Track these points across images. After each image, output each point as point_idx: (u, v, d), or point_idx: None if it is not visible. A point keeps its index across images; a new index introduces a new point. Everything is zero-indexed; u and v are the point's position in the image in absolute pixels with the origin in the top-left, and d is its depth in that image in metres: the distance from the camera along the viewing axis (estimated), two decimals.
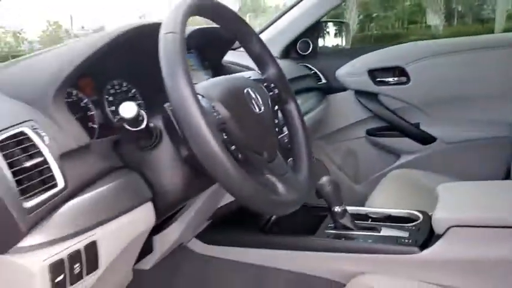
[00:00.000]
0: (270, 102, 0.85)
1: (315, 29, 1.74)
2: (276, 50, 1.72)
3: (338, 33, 1.86)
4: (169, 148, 0.73)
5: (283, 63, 1.66)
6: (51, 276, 0.57)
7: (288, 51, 1.75)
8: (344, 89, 1.76)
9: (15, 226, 0.54)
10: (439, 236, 0.93)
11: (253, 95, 0.78)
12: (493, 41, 1.68)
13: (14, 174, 0.56)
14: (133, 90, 0.87)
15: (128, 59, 0.82)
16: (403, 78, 1.67)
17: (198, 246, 1.13)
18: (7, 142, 0.58)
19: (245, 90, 0.78)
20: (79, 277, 0.61)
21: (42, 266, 0.56)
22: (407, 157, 1.71)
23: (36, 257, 0.56)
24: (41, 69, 0.71)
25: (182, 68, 0.62)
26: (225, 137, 0.69)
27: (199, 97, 0.66)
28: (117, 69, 0.83)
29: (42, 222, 0.57)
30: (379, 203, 1.30)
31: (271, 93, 0.87)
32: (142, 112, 0.67)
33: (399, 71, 1.67)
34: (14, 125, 0.60)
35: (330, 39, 1.86)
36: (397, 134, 1.71)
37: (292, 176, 0.81)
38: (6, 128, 0.59)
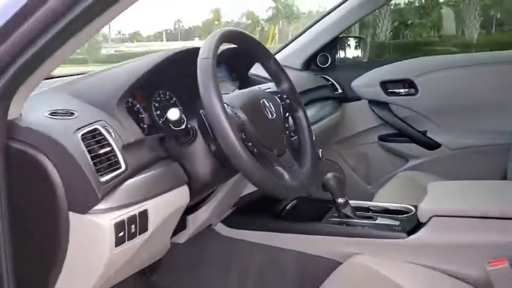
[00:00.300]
0: (282, 110, 1.05)
1: (333, 44, 1.92)
2: (297, 63, 1.91)
3: (355, 48, 2.05)
4: (202, 144, 0.94)
5: (304, 75, 1.88)
6: (115, 231, 0.78)
7: (309, 64, 1.94)
8: (358, 99, 1.93)
9: (94, 194, 0.76)
10: (424, 224, 1.11)
11: (268, 104, 0.99)
12: (493, 57, 1.82)
13: (92, 158, 0.79)
14: (174, 99, 1.10)
15: (171, 75, 1.03)
16: (412, 90, 1.83)
17: (224, 230, 1.34)
18: (86, 136, 0.80)
19: (261, 101, 0.99)
20: (134, 235, 0.82)
21: (110, 223, 0.78)
22: (414, 161, 1.86)
23: (106, 217, 0.78)
24: (109, 82, 0.94)
25: (213, 85, 0.83)
26: (244, 136, 0.90)
27: (225, 105, 0.88)
28: (162, 82, 1.05)
29: (110, 193, 0.79)
30: (383, 199, 1.47)
31: (283, 103, 1.07)
32: (183, 116, 0.89)
33: (408, 83, 1.83)
34: (90, 123, 0.82)
35: (348, 53, 2.04)
36: (406, 140, 1.86)
37: (297, 168, 1.01)
38: (85, 126, 0.81)
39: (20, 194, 0.78)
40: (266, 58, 1.08)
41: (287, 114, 1.10)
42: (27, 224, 0.80)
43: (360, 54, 2.04)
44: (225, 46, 1.27)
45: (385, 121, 1.90)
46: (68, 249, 0.79)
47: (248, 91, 1.05)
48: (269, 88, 1.18)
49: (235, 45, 1.13)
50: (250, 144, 0.90)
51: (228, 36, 0.96)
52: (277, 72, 1.09)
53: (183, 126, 0.89)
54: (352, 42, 2.04)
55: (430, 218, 1.09)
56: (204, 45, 0.89)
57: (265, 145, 0.94)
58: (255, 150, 0.91)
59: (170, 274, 1.39)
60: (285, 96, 1.09)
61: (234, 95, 0.98)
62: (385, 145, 1.94)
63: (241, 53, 1.30)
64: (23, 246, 0.80)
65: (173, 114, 0.86)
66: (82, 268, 0.81)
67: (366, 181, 1.99)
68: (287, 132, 1.07)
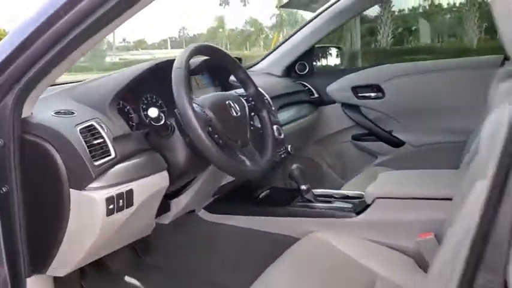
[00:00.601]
0: (247, 110, 1.27)
1: (310, 54, 2.14)
2: (278, 70, 2.12)
3: (330, 56, 2.26)
4: (178, 137, 1.15)
5: (283, 81, 2.10)
6: (106, 204, 0.99)
7: (289, 71, 2.15)
8: (333, 102, 2.13)
9: (89, 174, 0.97)
10: (369, 205, 1.32)
11: (233, 105, 1.21)
12: (450, 64, 2.03)
13: (88, 147, 1.00)
14: (160, 101, 1.31)
15: (156, 81, 1.24)
16: (380, 94, 2.03)
17: (205, 215, 1.54)
18: (83, 130, 1.01)
19: (227, 102, 1.20)
20: (121, 208, 1.03)
21: (102, 198, 0.98)
22: (382, 158, 2.06)
23: (99, 193, 0.98)
24: (101, 88, 1.15)
25: (184, 89, 1.05)
26: (211, 129, 1.11)
27: (195, 105, 1.09)
28: (149, 87, 1.26)
29: (102, 174, 1.00)
30: (347, 189, 1.67)
31: (249, 104, 1.29)
32: (162, 114, 1.11)
33: (376, 88, 2.03)
34: (87, 120, 1.03)
35: (323, 61, 2.26)
36: (375, 139, 2.06)
37: (258, 157, 1.22)
38: (82, 122, 1.03)
39: (31, 175, 0.99)
40: (235, 68, 1.29)
41: (253, 113, 1.31)
42: (37, 199, 1.00)
43: (333, 62, 2.26)
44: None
45: (356, 122, 2.10)
46: (70, 218, 1.00)
47: (217, 94, 1.27)
48: (243, 93, 1.39)
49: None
50: (216, 136, 1.11)
51: (200, 49, 1.18)
52: (244, 79, 1.31)
53: (162, 122, 1.10)
54: (327, 51, 2.25)
55: (374, 200, 1.30)
56: (178, 57, 1.11)
57: (230, 137, 1.15)
58: (221, 142, 1.12)
59: (160, 255, 1.60)
60: (251, 98, 1.31)
61: (204, 97, 1.20)
62: (357, 144, 2.14)
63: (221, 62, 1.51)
64: (34, 217, 1.01)
65: (152, 112, 1.08)
66: (80, 234, 1.02)
67: (340, 176, 2.19)
68: (252, 128, 1.28)
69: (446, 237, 0.74)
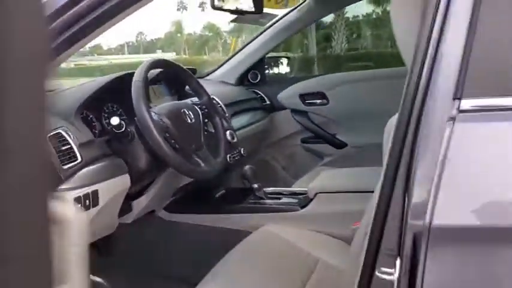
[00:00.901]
0: (201, 117, 1.41)
1: (261, 63, 2.31)
2: (232, 79, 2.27)
3: (280, 66, 2.44)
4: (138, 143, 1.28)
5: (236, 89, 2.25)
6: (75, 204, 1.11)
7: (242, 80, 2.30)
8: (284, 108, 2.30)
9: (59, 177, 1.09)
10: (312, 200, 1.49)
11: (187, 112, 1.35)
12: (385, 73, 2.26)
13: (57, 153, 1.11)
14: (120, 110, 1.43)
15: (117, 92, 1.36)
16: (325, 101, 2.22)
17: (165, 215, 1.67)
18: (52, 137, 1.12)
19: (182, 110, 1.34)
20: (88, 207, 1.15)
21: (71, 198, 1.10)
22: (328, 158, 2.25)
23: (68, 193, 1.10)
24: (67, 99, 1.27)
25: (142, 100, 1.18)
26: (168, 135, 1.25)
27: (153, 114, 1.22)
28: (111, 97, 1.38)
29: (70, 177, 1.12)
30: (296, 187, 1.84)
31: (202, 112, 1.43)
32: (123, 122, 1.23)
33: (321, 95, 2.22)
34: (55, 128, 1.15)
35: (275, 70, 2.44)
36: (321, 141, 2.25)
37: (212, 159, 1.37)
38: (51, 130, 1.14)
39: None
40: (188, 79, 1.43)
41: (206, 120, 1.45)
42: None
43: (284, 71, 2.44)
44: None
45: (304, 127, 2.28)
46: None
47: (173, 103, 1.41)
48: (197, 101, 1.53)
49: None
50: (173, 141, 1.25)
51: (157, 63, 1.31)
52: (197, 89, 1.45)
53: (123, 130, 1.23)
54: (277, 61, 2.43)
55: (315, 195, 1.47)
56: (137, 71, 1.24)
57: (185, 142, 1.29)
58: (177, 146, 1.26)
59: (123, 253, 1.70)
60: (204, 106, 1.45)
61: (161, 106, 1.33)
62: (306, 146, 2.32)
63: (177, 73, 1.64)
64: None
65: (114, 120, 1.20)
66: None
67: (293, 176, 2.37)
68: (206, 133, 1.43)
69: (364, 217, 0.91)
